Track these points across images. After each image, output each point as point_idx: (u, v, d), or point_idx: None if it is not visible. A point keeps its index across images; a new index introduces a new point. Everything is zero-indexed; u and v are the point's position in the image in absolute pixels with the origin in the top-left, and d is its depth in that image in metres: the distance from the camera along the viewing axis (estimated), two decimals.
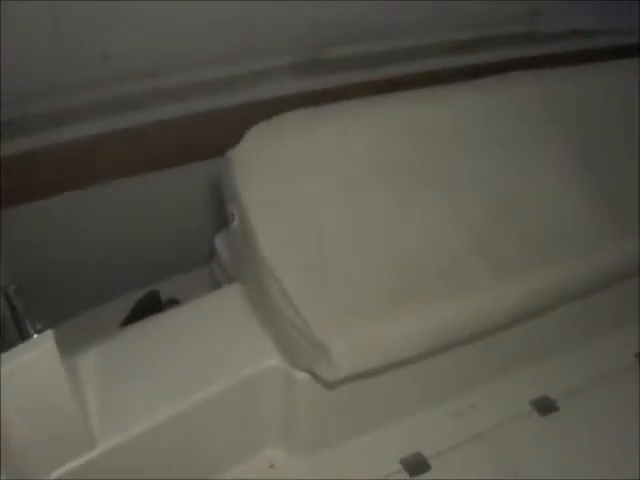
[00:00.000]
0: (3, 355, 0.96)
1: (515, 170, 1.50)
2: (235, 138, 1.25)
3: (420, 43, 1.78)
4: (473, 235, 1.37)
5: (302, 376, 1.27)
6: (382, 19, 1.74)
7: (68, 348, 1.09)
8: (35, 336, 1.02)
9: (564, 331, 1.61)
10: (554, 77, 1.71)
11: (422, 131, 1.46)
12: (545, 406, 1.54)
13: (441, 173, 1.42)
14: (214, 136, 1.47)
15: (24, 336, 1.02)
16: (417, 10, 1.76)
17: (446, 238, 1.35)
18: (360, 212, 1.34)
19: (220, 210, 1.37)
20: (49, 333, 1.00)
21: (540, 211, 1.48)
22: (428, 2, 1.77)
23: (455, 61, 1.75)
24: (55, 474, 1.12)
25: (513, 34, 1.80)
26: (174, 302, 1.69)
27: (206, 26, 1.58)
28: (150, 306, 1.67)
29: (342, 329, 1.20)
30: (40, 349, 0.99)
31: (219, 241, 1.52)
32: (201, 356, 1.30)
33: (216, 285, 1.57)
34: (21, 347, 0.98)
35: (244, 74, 1.73)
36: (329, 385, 1.25)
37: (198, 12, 1.52)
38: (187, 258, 1.85)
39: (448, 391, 1.52)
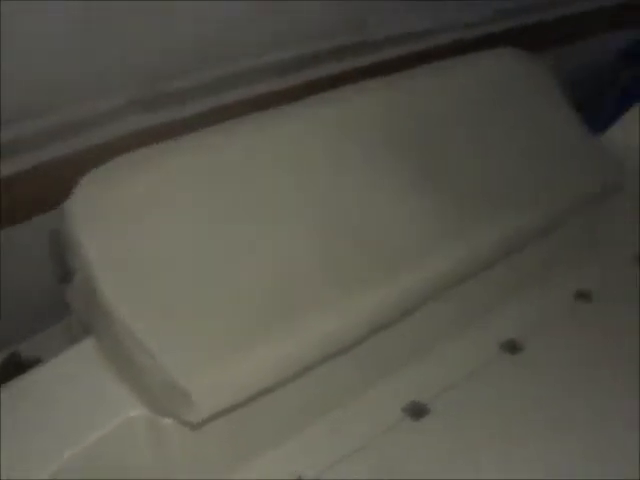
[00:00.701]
0: None
1: (354, 188, 1.54)
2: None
3: (257, 64, 1.79)
4: (318, 257, 1.39)
5: (167, 422, 1.25)
6: (216, 44, 1.73)
7: None
8: None
9: (417, 339, 1.65)
10: (389, 85, 1.77)
11: (262, 158, 1.47)
12: (417, 410, 1.57)
13: (285, 198, 1.44)
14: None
15: None
16: (254, 32, 1.77)
17: (294, 263, 1.36)
18: (207, 246, 1.33)
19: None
20: None
21: (381, 225, 1.52)
22: (267, 24, 1.78)
23: (289, 80, 1.76)
24: None
25: (343, 46, 1.83)
26: (38, 361, 1.62)
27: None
28: (11, 370, 1.59)
29: (199, 369, 1.19)
30: None
31: (69, 295, 1.48)
32: (65, 416, 1.26)
33: (74, 340, 1.52)
34: None
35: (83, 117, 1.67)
36: (195, 426, 1.23)
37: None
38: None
39: (319, 409, 1.53)
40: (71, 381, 1.31)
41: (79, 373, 1.31)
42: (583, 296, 1.93)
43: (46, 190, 1.41)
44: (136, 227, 1.29)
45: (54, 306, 1.64)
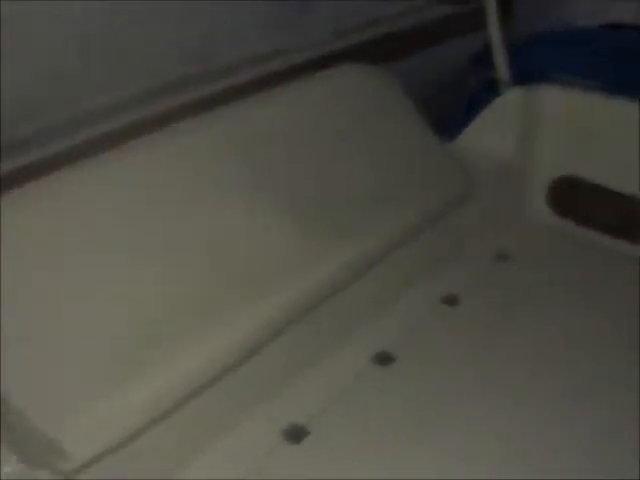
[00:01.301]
0: None
1: (210, 216, 1.54)
2: None
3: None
4: (177, 288, 1.39)
5: (43, 473, 1.19)
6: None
7: None
8: None
9: (288, 360, 1.65)
10: (239, 111, 1.77)
11: (104, 199, 1.44)
12: (295, 434, 1.56)
13: (138, 235, 1.43)
14: None
15: None
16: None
17: (155, 296, 1.36)
18: (63, 290, 1.31)
19: None
20: None
21: (241, 250, 1.52)
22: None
23: (142, 112, 1.72)
24: None
25: (187, 76, 1.81)
26: None
27: None
28: None
29: (68, 418, 1.17)
30: None
31: None
32: None
33: None
34: None
35: None
36: (71, 475, 1.18)
37: None
38: None
39: (195, 442, 1.49)
40: None
41: None
42: (449, 301, 1.97)
43: None
44: None
45: None
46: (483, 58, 2.38)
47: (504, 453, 1.51)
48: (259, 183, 1.64)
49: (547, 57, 2.41)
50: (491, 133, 2.21)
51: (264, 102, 1.83)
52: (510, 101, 2.28)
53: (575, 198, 2.32)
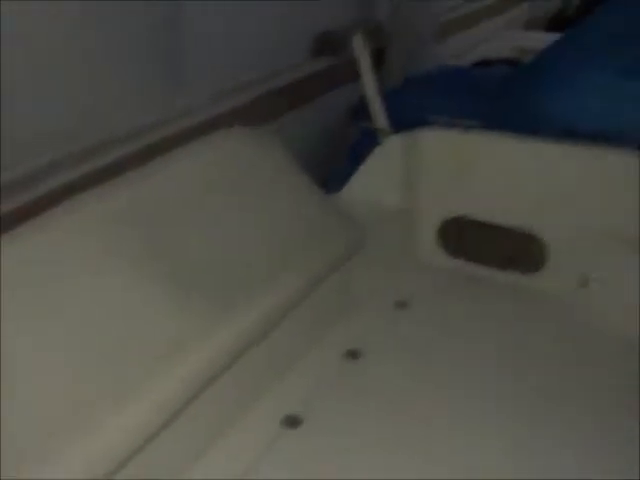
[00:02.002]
0: None
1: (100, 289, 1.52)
2: None
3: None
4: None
5: None
6: None
7: None
8: None
9: (199, 430, 1.61)
10: (120, 184, 1.73)
11: None
12: None
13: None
14: None
15: None
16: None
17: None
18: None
19: None
20: None
21: (127, 328, 1.48)
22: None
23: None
24: None
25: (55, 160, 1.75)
26: None
27: None
28: None
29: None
30: None
31: None
32: None
33: None
34: None
35: None
36: None
37: None
38: None
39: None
40: None
41: None
42: (352, 355, 1.96)
43: None
44: None
45: None
46: (360, 109, 2.43)
47: None
48: (144, 254, 1.59)
49: (424, 99, 2.47)
50: (375, 182, 2.25)
51: (143, 175, 1.79)
52: (390, 149, 2.32)
53: (464, 237, 2.38)
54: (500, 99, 2.33)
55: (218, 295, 1.65)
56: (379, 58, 2.66)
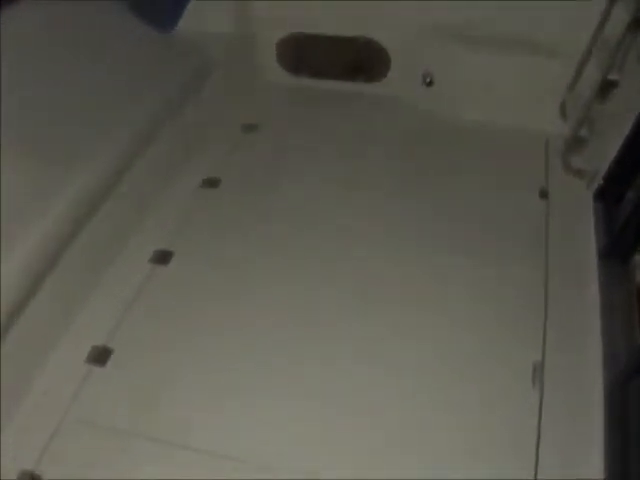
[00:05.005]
0: None
1: None
2: None
3: None
4: None
5: None
6: None
7: None
8: None
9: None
10: None
11: None
12: (100, 355, 1.59)
13: None
14: None
15: None
16: None
17: None
18: None
19: None
20: None
21: None
22: None
23: None
24: None
25: None
26: None
27: None
28: None
29: None
30: None
31: None
32: None
33: None
34: None
35: None
36: None
37: None
38: None
39: None
40: None
41: None
42: (210, 183, 2.04)
43: None
44: None
45: None
46: None
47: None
48: None
49: None
50: (210, 13, 2.18)
51: None
52: None
53: (305, 53, 2.37)
54: None
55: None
56: None
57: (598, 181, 1.86)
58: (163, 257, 1.80)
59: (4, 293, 1.35)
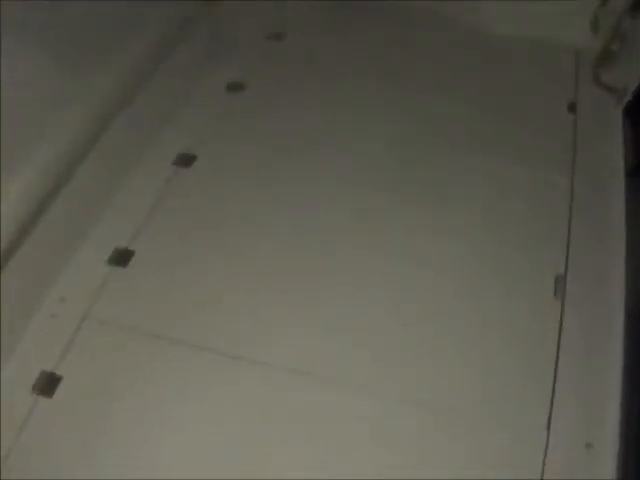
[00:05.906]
0: None
1: None
2: None
3: None
4: None
5: None
6: None
7: None
8: None
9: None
10: None
11: None
12: (122, 257, 1.60)
13: None
14: None
15: None
16: None
17: None
18: None
19: None
20: None
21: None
22: None
23: None
24: None
25: None
26: None
27: None
28: None
29: None
30: None
31: None
32: None
33: None
34: None
35: None
36: None
37: None
38: None
39: None
40: None
41: None
42: (234, 88, 2.01)
43: None
44: None
45: None
46: None
47: None
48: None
49: None
50: None
51: None
52: None
53: None
54: None
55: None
56: None
57: (628, 97, 1.84)
58: (187, 160, 1.79)
59: (25, 194, 1.37)
